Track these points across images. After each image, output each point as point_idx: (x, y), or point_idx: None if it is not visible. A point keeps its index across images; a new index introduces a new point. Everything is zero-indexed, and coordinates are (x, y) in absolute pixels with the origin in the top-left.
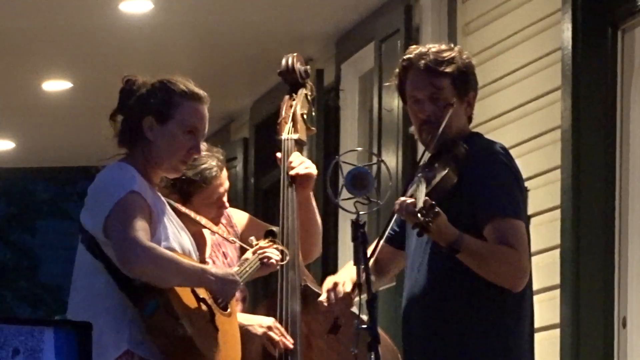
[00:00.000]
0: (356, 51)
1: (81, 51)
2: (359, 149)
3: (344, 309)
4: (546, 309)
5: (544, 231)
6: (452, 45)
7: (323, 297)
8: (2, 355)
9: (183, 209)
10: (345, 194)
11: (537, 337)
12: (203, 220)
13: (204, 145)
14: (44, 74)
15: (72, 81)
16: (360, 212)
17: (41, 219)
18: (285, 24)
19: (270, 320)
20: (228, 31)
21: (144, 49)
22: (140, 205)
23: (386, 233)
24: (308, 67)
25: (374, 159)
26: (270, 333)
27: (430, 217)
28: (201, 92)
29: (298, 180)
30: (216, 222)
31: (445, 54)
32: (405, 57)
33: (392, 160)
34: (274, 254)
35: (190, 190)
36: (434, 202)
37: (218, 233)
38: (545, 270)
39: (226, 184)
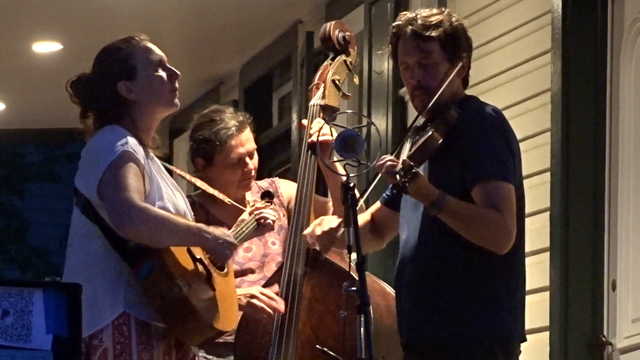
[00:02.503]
0: (346, 14)
1: (71, 13)
2: (349, 111)
3: (326, 243)
4: (535, 271)
5: (533, 194)
6: (443, 9)
7: (308, 231)
8: None
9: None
10: (335, 156)
11: (527, 299)
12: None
13: (229, 109)
14: (34, 36)
15: (62, 43)
16: (350, 175)
17: (31, 181)
18: None
19: (254, 289)
20: None
21: (134, 11)
22: (133, 166)
23: (369, 190)
24: (347, 33)
25: (364, 122)
26: (254, 301)
27: (407, 178)
28: (136, 34)
29: (318, 147)
30: (245, 185)
31: (432, 18)
32: (394, 24)
33: (382, 122)
34: (270, 214)
35: (209, 151)
36: (412, 163)
37: (218, 197)
38: (534, 233)
39: (248, 146)
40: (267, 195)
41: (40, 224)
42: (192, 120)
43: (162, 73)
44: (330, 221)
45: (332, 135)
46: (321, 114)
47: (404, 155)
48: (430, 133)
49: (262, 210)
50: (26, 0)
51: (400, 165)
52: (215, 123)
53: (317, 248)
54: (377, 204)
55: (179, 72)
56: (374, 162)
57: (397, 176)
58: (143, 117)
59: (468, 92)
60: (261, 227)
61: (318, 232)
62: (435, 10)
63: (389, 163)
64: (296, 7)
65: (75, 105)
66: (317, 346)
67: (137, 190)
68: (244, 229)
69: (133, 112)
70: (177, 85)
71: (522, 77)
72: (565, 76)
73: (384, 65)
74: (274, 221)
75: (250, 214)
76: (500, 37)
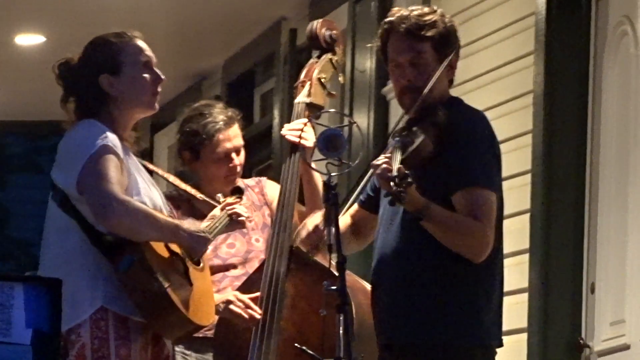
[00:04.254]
0: (330, 11)
1: (55, 5)
2: (332, 110)
3: (316, 241)
4: (515, 273)
5: (514, 195)
6: (435, 8)
7: (298, 240)
8: None
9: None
10: (317, 155)
11: (506, 300)
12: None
13: (219, 104)
14: (17, 28)
15: (45, 35)
16: (332, 174)
17: (12, 172)
18: None
19: (230, 295)
20: None
21: (118, 4)
22: (113, 159)
23: (357, 192)
24: (335, 32)
25: (346, 121)
26: (231, 307)
27: (402, 187)
28: (130, 30)
29: (301, 147)
30: (230, 181)
31: (426, 18)
32: (386, 20)
33: (364, 121)
34: (242, 210)
35: (196, 145)
36: (407, 172)
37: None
38: (514, 234)
39: (236, 142)
40: (237, 192)
41: (21, 216)
42: (182, 113)
43: (147, 75)
44: (314, 219)
45: (315, 136)
46: (306, 112)
47: (397, 161)
48: (422, 138)
49: (235, 205)
50: None
51: (395, 173)
52: (204, 117)
53: (307, 249)
54: (355, 207)
55: (164, 77)
56: (356, 161)
57: (392, 183)
58: (121, 113)
59: (452, 92)
60: (233, 222)
61: (304, 234)
62: (427, 9)
63: (384, 166)
64: (280, 3)
65: (59, 88)
66: (296, 344)
67: (118, 183)
68: (217, 224)
69: (112, 107)
70: (159, 89)
71: (505, 78)
72: (548, 78)
73: (367, 63)
74: (247, 217)
75: (221, 209)
76: (484, 37)
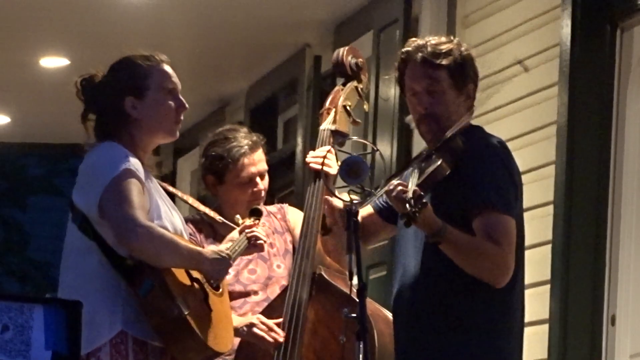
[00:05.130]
0: (354, 39)
1: (79, 29)
2: (354, 137)
3: (337, 215)
4: (535, 303)
5: (536, 226)
6: (452, 37)
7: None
8: None
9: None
10: (339, 182)
11: (526, 331)
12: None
13: (244, 128)
14: (42, 50)
15: (69, 58)
16: (354, 201)
17: (32, 194)
18: (284, 9)
19: (253, 318)
20: (226, 14)
21: (142, 28)
22: (136, 183)
23: (376, 198)
24: (360, 60)
25: (369, 148)
26: (254, 330)
27: (417, 208)
28: (158, 53)
29: (324, 174)
30: (254, 205)
31: (442, 47)
32: (404, 50)
33: (387, 149)
34: (260, 233)
35: (220, 169)
36: (422, 193)
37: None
38: (535, 265)
39: (260, 166)
40: (256, 213)
41: (41, 237)
42: (205, 137)
43: (172, 102)
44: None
45: (337, 162)
46: (331, 139)
47: (413, 183)
48: (439, 163)
49: (254, 228)
50: (35, 15)
51: (410, 194)
52: (229, 141)
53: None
54: (369, 209)
55: (187, 106)
56: (379, 189)
57: (407, 205)
58: (142, 137)
59: (473, 122)
60: (252, 246)
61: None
62: (444, 39)
63: (399, 188)
64: (304, 30)
65: (81, 111)
66: None
67: (141, 207)
68: (236, 247)
69: (133, 129)
70: (182, 117)
71: (529, 108)
72: (571, 109)
73: (391, 92)
74: (264, 242)
75: (240, 232)
76: (507, 68)
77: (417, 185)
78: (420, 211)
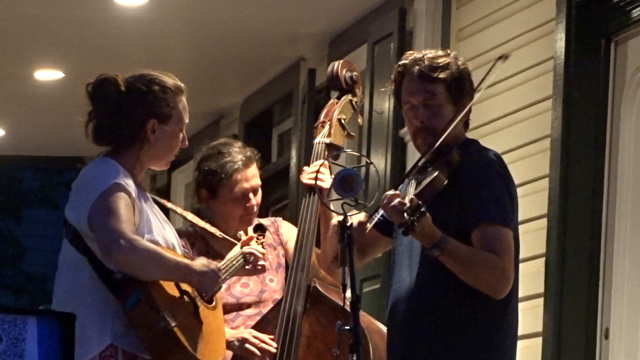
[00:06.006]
0: (349, 52)
1: (74, 41)
2: (349, 150)
3: (360, 233)
4: (529, 317)
5: (530, 239)
6: (449, 51)
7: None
8: None
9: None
10: (333, 194)
11: (519, 344)
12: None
13: (238, 143)
14: (37, 63)
15: (64, 71)
16: (348, 214)
17: (28, 207)
18: (279, 23)
19: (245, 332)
20: (222, 27)
21: (137, 41)
22: (124, 197)
23: (375, 218)
24: (355, 73)
25: (363, 161)
26: (247, 345)
27: (415, 217)
28: (181, 83)
29: (318, 188)
30: (247, 221)
31: (439, 60)
32: (400, 63)
33: (381, 162)
34: (259, 251)
35: (214, 184)
36: (420, 202)
37: (204, 228)
38: (529, 278)
39: (253, 182)
40: (260, 229)
41: (36, 250)
42: (200, 151)
43: (181, 134)
44: (359, 217)
45: (331, 176)
46: (326, 152)
47: (410, 194)
48: (436, 174)
49: (251, 244)
50: (30, 28)
51: (408, 204)
52: (223, 156)
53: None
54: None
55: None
56: (372, 202)
57: (405, 214)
58: (145, 159)
59: (469, 135)
60: (252, 268)
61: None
62: (441, 52)
63: (397, 200)
64: (299, 44)
65: (77, 124)
66: None
67: (127, 221)
68: (232, 263)
69: (141, 149)
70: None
71: (523, 122)
72: (565, 123)
73: (385, 105)
74: (263, 266)
75: (241, 246)
76: (502, 81)
77: (415, 196)
78: (419, 220)
